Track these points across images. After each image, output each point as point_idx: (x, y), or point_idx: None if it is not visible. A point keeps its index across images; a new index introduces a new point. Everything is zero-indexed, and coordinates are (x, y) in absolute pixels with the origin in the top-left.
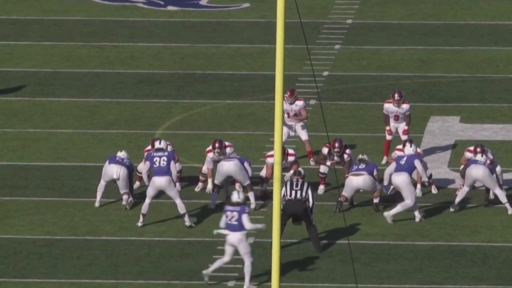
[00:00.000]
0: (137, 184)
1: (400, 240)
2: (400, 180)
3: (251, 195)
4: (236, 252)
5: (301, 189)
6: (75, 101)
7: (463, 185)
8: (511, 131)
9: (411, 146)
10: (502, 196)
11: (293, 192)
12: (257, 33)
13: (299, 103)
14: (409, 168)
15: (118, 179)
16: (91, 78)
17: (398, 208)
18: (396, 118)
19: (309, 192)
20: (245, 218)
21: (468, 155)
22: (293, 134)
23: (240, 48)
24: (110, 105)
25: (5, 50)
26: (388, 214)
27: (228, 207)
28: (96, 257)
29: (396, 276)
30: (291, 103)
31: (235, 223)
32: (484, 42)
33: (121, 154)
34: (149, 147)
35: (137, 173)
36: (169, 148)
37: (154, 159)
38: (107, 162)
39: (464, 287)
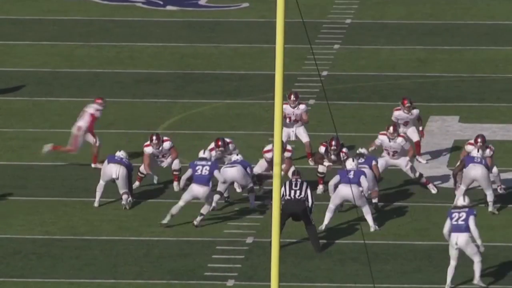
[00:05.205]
0: (136, 184)
1: (399, 240)
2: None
3: (251, 196)
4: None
5: (300, 189)
6: (74, 101)
7: (460, 185)
8: (510, 131)
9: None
10: (490, 196)
11: (292, 191)
12: (256, 33)
13: (302, 106)
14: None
15: (117, 178)
16: (90, 78)
17: (370, 219)
18: (406, 123)
19: (308, 191)
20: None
21: (469, 148)
22: (293, 138)
23: (239, 48)
24: (109, 105)
25: (4, 50)
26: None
27: (454, 210)
28: (95, 257)
29: (395, 276)
30: (295, 107)
31: (462, 223)
32: (483, 41)
33: (120, 154)
34: (148, 142)
35: (138, 173)
36: (168, 144)
37: (197, 167)
38: (106, 162)
39: (463, 287)
